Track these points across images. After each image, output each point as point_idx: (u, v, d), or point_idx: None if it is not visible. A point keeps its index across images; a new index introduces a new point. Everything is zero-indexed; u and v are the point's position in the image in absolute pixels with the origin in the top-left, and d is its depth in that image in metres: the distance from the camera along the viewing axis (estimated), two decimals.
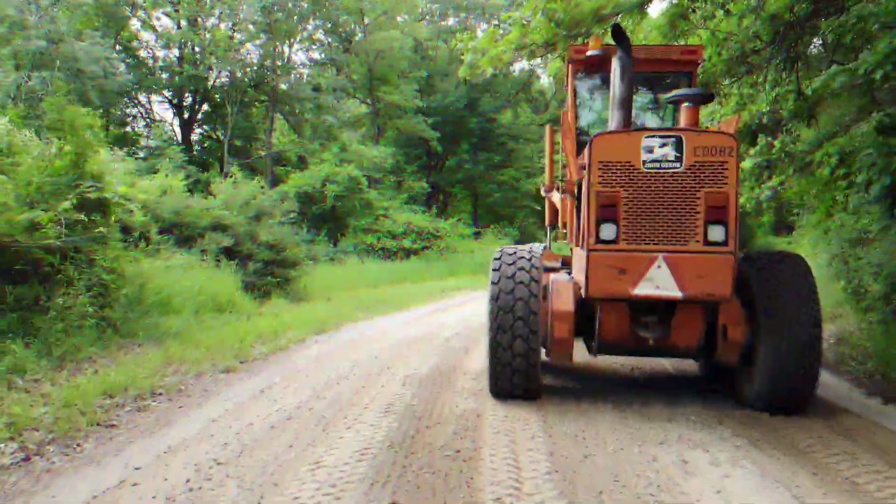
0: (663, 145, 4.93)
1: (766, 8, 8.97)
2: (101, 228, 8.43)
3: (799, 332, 5.01)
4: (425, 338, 9.04)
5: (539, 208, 38.78)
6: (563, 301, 5.40)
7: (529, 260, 5.58)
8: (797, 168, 12.84)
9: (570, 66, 6.87)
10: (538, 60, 9.18)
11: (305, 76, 27.94)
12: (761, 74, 10.35)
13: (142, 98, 30.01)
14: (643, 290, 4.93)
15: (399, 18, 31.63)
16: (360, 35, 29.56)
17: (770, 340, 5.08)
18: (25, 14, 19.22)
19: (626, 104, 5.51)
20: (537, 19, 7.36)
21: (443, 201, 34.91)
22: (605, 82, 6.61)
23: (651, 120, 7.25)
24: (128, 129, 25.22)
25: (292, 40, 28.80)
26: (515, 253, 5.73)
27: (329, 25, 29.57)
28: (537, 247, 6.42)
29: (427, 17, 35.54)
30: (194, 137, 31.12)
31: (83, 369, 6.46)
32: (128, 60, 28.03)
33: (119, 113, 28.72)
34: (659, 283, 4.90)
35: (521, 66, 43.75)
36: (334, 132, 25.39)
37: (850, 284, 9.45)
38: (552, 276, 5.80)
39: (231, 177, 14.48)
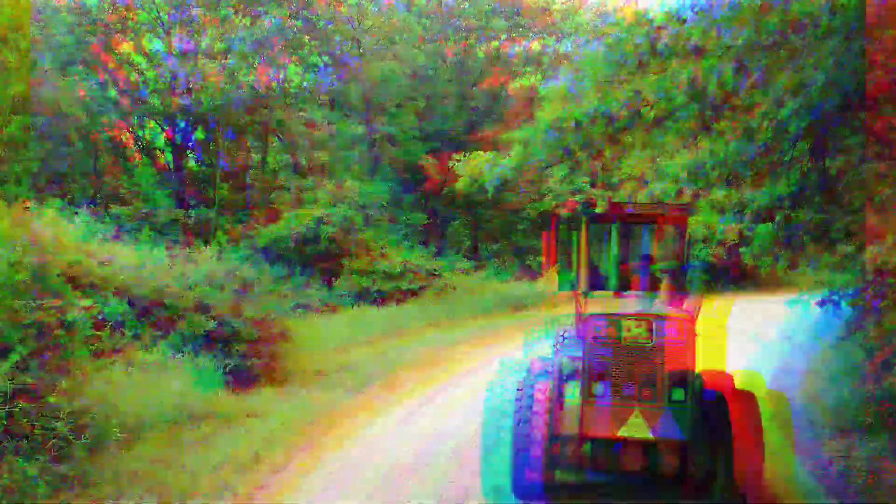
0: (638, 327, 6.45)
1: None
2: (63, 353, 7.72)
3: (745, 459, 6.28)
4: (420, 468, 8.26)
5: (538, 236, 38.05)
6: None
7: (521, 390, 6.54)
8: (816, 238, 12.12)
9: (583, 218, 7.80)
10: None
11: (300, 107, 27.10)
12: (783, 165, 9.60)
13: (134, 124, 29.29)
14: (624, 433, 6.37)
15: (398, 45, 30.81)
16: (356, 63, 28.75)
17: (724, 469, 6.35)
18: (6, 55, 18.44)
19: (622, 265, 7.33)
20: (544, 143, 6.63)
21: (440, 228, 34.04)
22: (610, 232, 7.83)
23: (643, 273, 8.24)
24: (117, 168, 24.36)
25: (287, 68, 28.00)
26: (503, 386, 6.75)
27: (326, 52, 28.74)
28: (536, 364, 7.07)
29: (426, 38, 34.69)
30: (187, 164, 30.35)
31: None
32: (121, 88, 27.28)
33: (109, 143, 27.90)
34: (635, 429, 6.34)
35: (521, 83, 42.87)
36: (329, 167, 24.58)
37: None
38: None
39: (216, 243, 13.67)
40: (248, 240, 21.63)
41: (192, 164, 31.50)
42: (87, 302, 8.17)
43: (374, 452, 8.78)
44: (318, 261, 23.12)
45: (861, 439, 9.00)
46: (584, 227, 7.88)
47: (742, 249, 13.09)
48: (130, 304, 10.94)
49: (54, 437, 6.75)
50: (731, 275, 29.27)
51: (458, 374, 13.81)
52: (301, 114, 25.75)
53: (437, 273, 23.94)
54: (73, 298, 7.93)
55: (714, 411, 6.57)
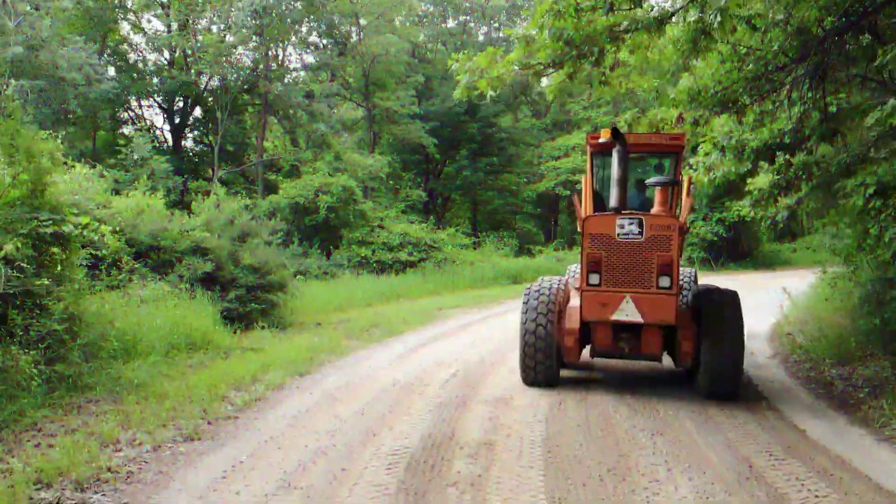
0: (631, 223, 7.36)
1: (792, 22, 8.15)
2: (59, 267, 7.64)
3: (727, 347, 7.35)
4: (418, 384, 8.20)
5: (539, 212, 38.05)
6: (572, 322, 7.90)
7: (549, 295, 8.02)
8: (816, 185, 12.07)
9: (588, 147, 8.81)
10: (545, 81, 8.32)
11: (299, 82, 26.98)
12: (784, 93, 9.53)
13: (132, 102, 29.23)
14: (618, 316, 7.43)
15: (396, 21, 30.75)
16: (355, 38, 28.68)
17: (709, 355, 7.41)
18: (4, 20, 18.37)
19: (622, 184, 7.61)
20: (543, 38, 6.55)
21: (441, 208, 34.04)
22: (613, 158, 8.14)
23: (639, 197, 9.26)
24: (118, 134, 24.23)
25: (285, 44, 27.92)
26: (539, 291, 8.14)
27: (323, 28, 28.64)
28: (556, 281, 8.56)
29: (425, 20, 34.63)
30: (186, 143, 30.30)
31: (23, 442, 5.65)
32: (119, 64, 27.22)
33: (109, 119, 27.88)
34: (628, 312, 7.36)
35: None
36: (328, 139, 24.48)
37: (888, 325, 8.63)
38: (570, 301, 8.32)
39: (214, 195, 13.59)
40: (248, 211, 21.54)
41: (190, 143, 31.54)
42: (84, 219, 8.08)
43: (373, 375, 8.74)
44: (317, 231, 23.09)
45: (864, 364, 8.99)
46: (589, 156, 9.04)
47: (740, 204, 12.98)
48: (129, 244, 10.89)
49: (49, 337, 6.69)
50: (733, 252, 29.26)
51: (454, 327, 13.76)
52: (299, 87, 25.61)
53: (436, 246, 23.89)
54: (69, 215, 7.83)
55: (700, 300, 7.89)
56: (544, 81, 8.25)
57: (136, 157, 19.76)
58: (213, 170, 25.55)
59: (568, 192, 32.00)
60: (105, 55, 26.14)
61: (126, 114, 29.49)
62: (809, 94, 9.73)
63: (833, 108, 10.48)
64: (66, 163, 12.59)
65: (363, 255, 22.15)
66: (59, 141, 8.90)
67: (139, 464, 5.39)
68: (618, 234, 7.36)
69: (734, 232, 28.02)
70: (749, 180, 12.60)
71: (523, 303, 8.02)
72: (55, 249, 7.76)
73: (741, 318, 7.56)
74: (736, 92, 8.87)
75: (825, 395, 8.04)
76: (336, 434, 6.18)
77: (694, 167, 11.67)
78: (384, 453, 5.63)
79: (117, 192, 14.45)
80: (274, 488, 4.87)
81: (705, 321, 7.50)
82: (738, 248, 29.34)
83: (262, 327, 11.66)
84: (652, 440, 6.06)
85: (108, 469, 5.17)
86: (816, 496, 4.81)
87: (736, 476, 5.19)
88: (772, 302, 14.57)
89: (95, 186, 12.18)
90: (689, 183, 10.10)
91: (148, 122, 29.96)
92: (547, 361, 7.77)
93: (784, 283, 15.51)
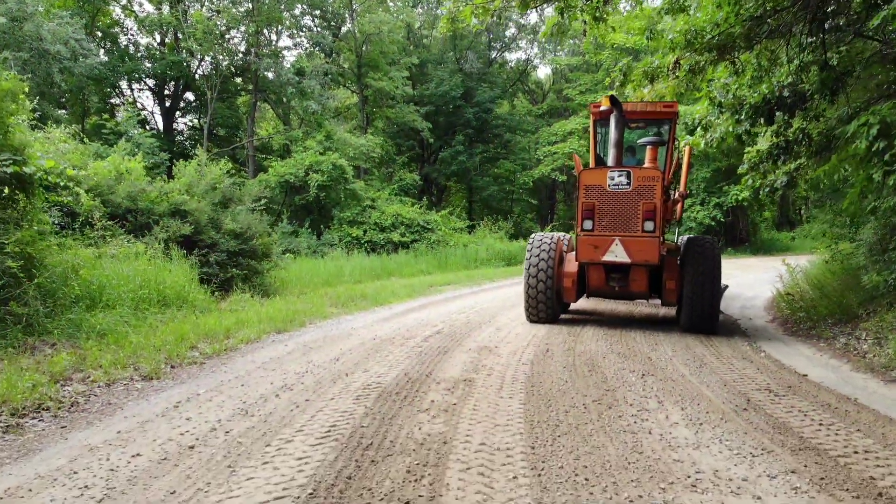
0: (620, 175, 8.25)
1: None
2: (19, 206, 7.25)
3: (705, 286, 8.22)
4: (399, 338, 7.80)
5: (535, 202, 37.61)
6: (570, 266, 8.98)
7: (550, 243, 9.06)
8: (816, 150, 11.68)
9: (592, 117, 10.20)
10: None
11: (289, 63, 26.48)
12: (782, 42, 9.12)
13: (123, 86, 28.79)
14: (608, 257, 8.30)
15: (391, 4, 30.29)
16: (348, 21, 28.21)
17: (689, 290, 8.30)
18: None
19: (618, 146, 8.67)
20: None
21: (436, 195, 33.60)
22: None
23: (634, 159, 10.41)
24: (105, 116, 23.70)
25: (279, 27, 27.45)
26: (542, 238, 9.22)
27: (317, 11, 28.19)
28: (558, 234, 9.62)
29: (421, 4, 34.17)
30: (177, 127, 29.85)
31: None
32: (110, 47, 26.74)
33: (99, 103, 27.43)
34: (617, 254, 8.25)
35: (517, 56, 42.47)
36: (319, 119, 23.99)
37: (890, 277, 8.24)
38: (569, 253, 9.33)
39: (195, 158, 13.15)
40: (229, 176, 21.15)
41: (181, 127, 31.08)
42: (49, 163, 7.65)
43: (354, 333, 8.33)
44: (308, 211, 22.65)
45: (867, 321, 8.60)
46: (592, 124, 10.35)
47: (738, 188, 12.60)
48: (105, 205, 10.50)
49: (4, 275, 6.28)
50: (731, 237, 28.88)
51: (442, 298, 13.37)
52: (290, 65, 25.15)
53: (429, 227, 23.44)
54: (32, 158, 7.41)
55: (685, 247, 8.73)
56: (533, 17, 7.81)
57: (122, 129, 19.27)
58: (202, 147, 25.10)
59: (565, 178, 31.57)
60: (96, 38, 25.67)
61: (117, 98, 29.05)
62: (809, 41, 9.34)
63: (834, 62, 10.09)
64: (40, 124, 12.26)
65: (354, 235, 21.70)
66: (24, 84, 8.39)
67: (87, 396, 4.98)
68: (609, 185, 8.26)
69: (732, 217, 27.62)
70: (747, 149, 12.22)
71: (527, 249, 9.10)
72: (18, 193, 7.38)
73: (717, 259, 8.40)
74: (733, 35, 8.47)
75: (827, 347, 7.66)
76: (306, 375, 5.77)
77: (691, 125, 11.24)
78: (355, 388, 5.22)
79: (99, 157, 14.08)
80: (229, 415, 4.47)
81: (687, 264, 8.40)
82: (736, 234, 28.95)
83: (243, 292, 11.23)
84: (642, 379, 5.66)
85: (52, 398, 4.76)
86: (821, 424, 4.41)
87: (733, 407, 4.79)
88: (770, 278, 14.21)
89: (73, 149, 11.81)
90: (690, 153, 10.72)
91: (139, 106, 29.56)
92: (548, 300, 8.76)
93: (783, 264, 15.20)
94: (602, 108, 8.83)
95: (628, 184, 8.20)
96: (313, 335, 8.11)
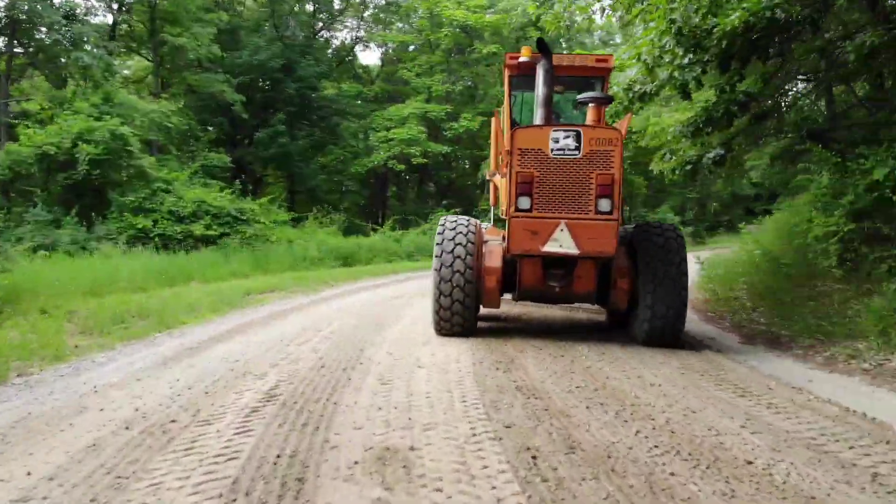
0: (566, 137, 6.46)
1: None
2: None
3: (676, 288, 6.65)
4: (186, 416, 3.88)
5: (368, 194, 34.12)
6: (493, 260, 7.16)
7: (467, 229, 7.08)
8: (754, 115, 9.67)
9: (506, 69, 8.14)
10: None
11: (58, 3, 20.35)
12: None
13: None
14: (550, 247, 6.52)
15: None
16: None
17: (652, 293, 6.68)
18: None
19: (547, 103, 7.06)
20: None
21: (252, 183, 28.67)
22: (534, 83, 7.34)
23: (573, 117, 8.64)
24: None
25: None
26: (457, 222, 7.20)
27: None
28: (474, 219, 7.48)
29: None
30: None
31: None
32: None
33: None
34: (562, 242, 6.48)
35: (341, 36, 38.62)
36: (94, 75, 18.34)
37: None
38: (489, 243, 7.42)
39: None
40: None
41: None
42: None
43: (92, 406, 4.23)
44: (77, 194, 17.06)
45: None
46: (507, 80, 8.23)
47: (656, 157, 10.67)
48: None
49: None
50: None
51: (266, 315, 9.43)
52: (58, 5, 19.15)
53: (243, 218, 18.90)
54: None
55: (638, 236, 7.01)
56: None
57: None
58: None
59: (404, 167, 28.38)
60: None
61: None
62: None
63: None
64: None
65: (141, 226, 16.57)
66: None
67: None
68: (552, 150, 6.49)
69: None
70: (653, 119, 10.00)
71: (437, 233, 7.09)
72: None
73: (685, 252, 6.90)
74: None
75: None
76: None
77: (616, 86, 8.99)
78: None
79: None
80: None
81: (646, 259, 6.80)
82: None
83: None
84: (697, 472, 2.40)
85: None
86: None
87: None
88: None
89: None
90: (629, 121, 8.49)
91: None
92: (466, 306, 6.89)
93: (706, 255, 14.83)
94: (522, 58, 7.37)
95: (577, 148, 6.40)
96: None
